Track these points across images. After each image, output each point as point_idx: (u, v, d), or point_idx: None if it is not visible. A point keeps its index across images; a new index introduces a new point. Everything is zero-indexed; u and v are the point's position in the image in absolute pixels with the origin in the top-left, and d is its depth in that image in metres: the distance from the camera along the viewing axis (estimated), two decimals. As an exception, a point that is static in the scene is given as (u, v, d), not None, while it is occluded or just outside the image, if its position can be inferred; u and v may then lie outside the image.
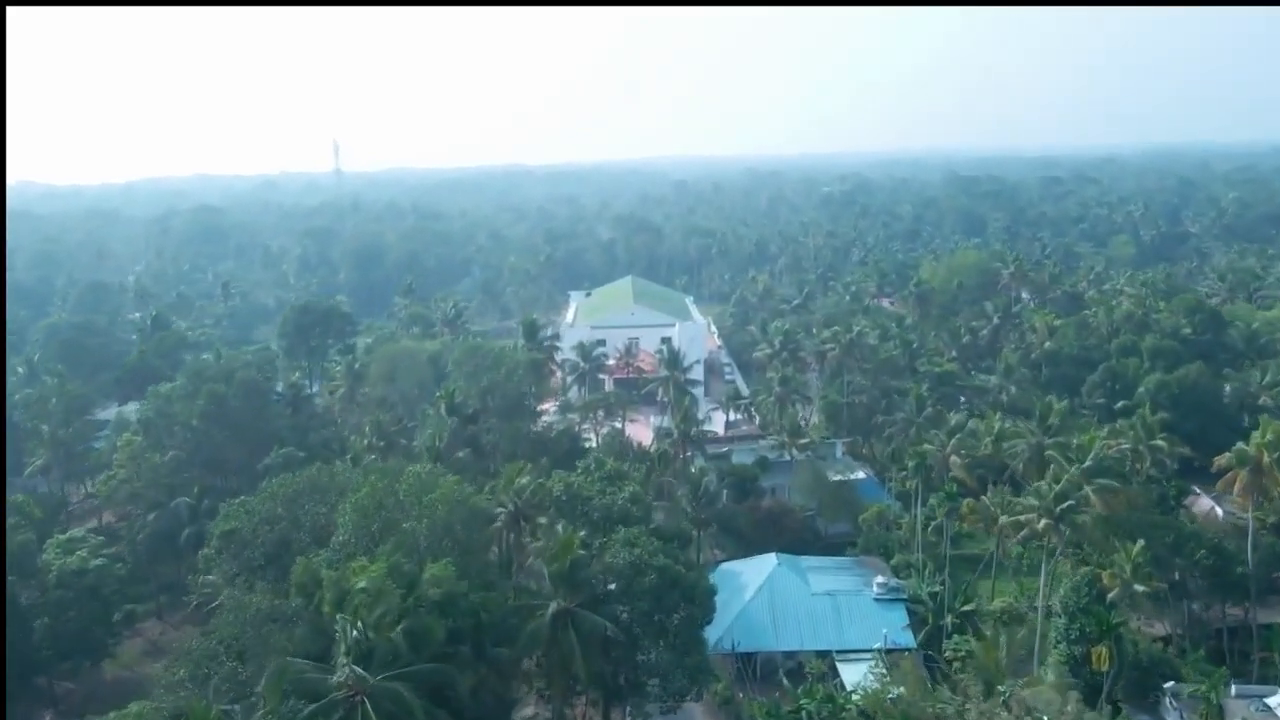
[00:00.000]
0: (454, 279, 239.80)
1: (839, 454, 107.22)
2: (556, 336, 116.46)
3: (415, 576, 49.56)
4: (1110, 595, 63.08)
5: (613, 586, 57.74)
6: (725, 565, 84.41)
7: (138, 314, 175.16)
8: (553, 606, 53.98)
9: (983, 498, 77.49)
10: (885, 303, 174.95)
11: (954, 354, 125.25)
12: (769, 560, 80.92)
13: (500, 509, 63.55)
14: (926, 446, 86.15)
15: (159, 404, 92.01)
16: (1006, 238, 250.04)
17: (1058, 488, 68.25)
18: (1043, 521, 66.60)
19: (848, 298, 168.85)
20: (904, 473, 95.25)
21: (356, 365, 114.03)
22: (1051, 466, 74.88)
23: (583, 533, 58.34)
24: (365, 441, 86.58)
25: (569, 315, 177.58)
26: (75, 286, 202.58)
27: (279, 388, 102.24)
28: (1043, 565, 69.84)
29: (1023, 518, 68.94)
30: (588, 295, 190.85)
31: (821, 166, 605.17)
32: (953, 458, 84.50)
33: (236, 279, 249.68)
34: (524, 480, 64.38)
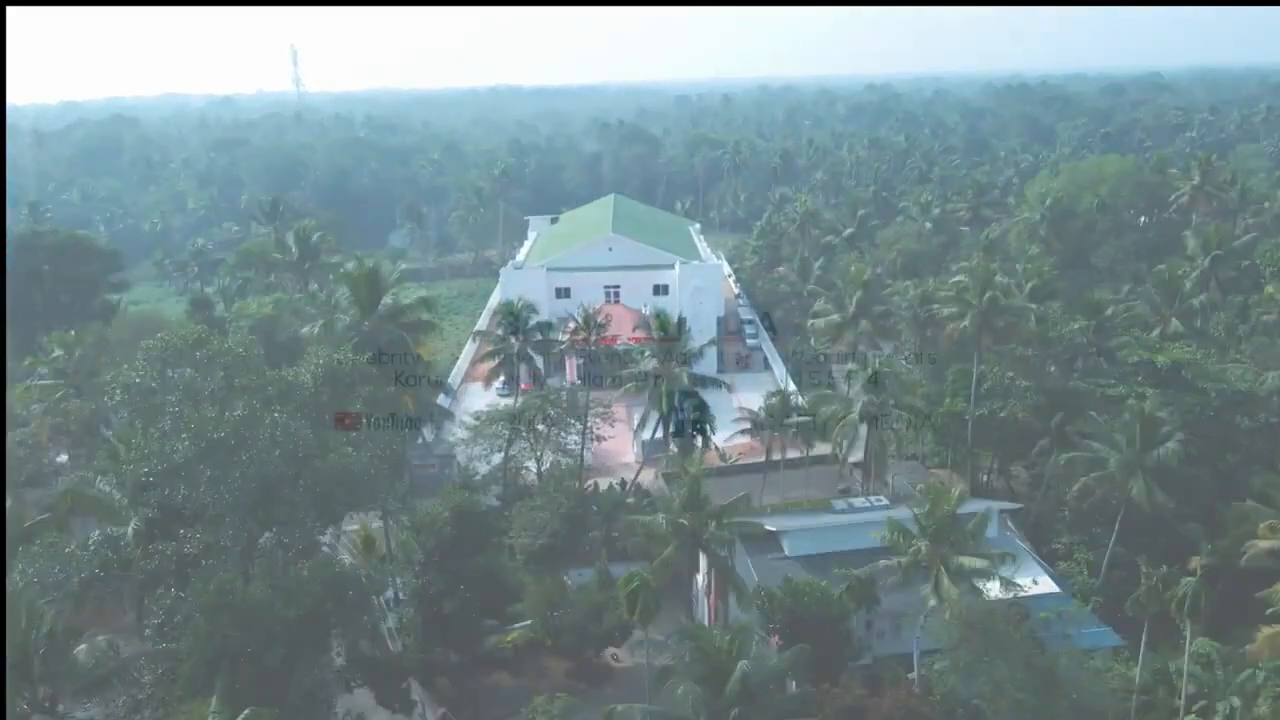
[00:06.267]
0: (389, 203, 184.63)
1: (994, 531, 54.80)
2: (425, 304, 59.15)
3: None
4: None
5: None
6: None
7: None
8: None
9: None
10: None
11: (1178, 326, 70.58)
12: None
13: None
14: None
15: None
16: (1103, 147, 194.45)
17: None
18: None
19: (928, 224, 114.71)
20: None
21: (79, 353, 61.06)
22: None
23: None
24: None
25: (522, 251, 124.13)
26: None
27: None
28: None
29: None
30: (553, 222, 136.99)
31: (836, 84, 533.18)
32: None
33: (118, 201, 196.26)
34: None
